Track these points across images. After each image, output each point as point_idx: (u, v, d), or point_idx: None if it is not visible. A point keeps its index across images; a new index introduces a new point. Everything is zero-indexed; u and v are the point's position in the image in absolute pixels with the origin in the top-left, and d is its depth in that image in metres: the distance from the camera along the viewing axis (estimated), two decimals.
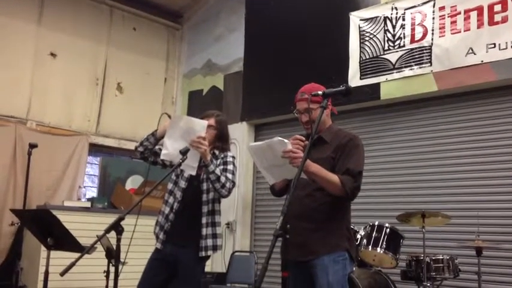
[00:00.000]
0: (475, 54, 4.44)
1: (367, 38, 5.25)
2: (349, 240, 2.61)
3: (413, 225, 4.17)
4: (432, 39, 4.74)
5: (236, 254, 5.68)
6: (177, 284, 3.11)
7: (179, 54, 7.65)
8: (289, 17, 6.13)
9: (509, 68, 4.26)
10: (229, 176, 3.15)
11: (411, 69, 4.85)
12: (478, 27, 4.45)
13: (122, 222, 2.43)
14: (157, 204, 4.41)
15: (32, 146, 4.82)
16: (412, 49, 4.88)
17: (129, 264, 3.21)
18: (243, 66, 6.58)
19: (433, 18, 4.76)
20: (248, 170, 6.28)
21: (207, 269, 4.86)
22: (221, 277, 5.40)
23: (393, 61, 5.00)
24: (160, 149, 3.24)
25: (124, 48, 6.97)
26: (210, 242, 3.15)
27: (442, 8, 4.72)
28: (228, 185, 3.10)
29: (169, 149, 3.01)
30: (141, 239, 3.15)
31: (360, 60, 5.26)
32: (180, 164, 2.84)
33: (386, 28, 5.11)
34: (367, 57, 5.22)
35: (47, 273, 3.40)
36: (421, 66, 4.78)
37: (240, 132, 6.33)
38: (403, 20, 4.98)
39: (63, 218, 3.39)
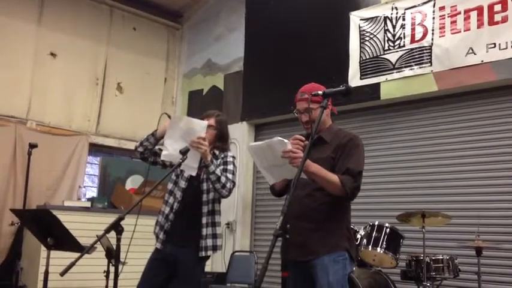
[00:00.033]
0: (475, 54, 4.44)
1: (367, 38, 5.25)
2: (349, 240, 2.61)
3: (413, 225, 4.17)
4: (432, 39, 4.74)
5: (236, 254, 5.68)
6: (177, 284, 3.11)
7: (179, 54, 7.65)
8: (289, 17, 6.13)
9: (509, 68, 4.26)
10: (230, 176, 3.15)
11: (411, 69, 4.85)
12: (478, 27, 4.45)
13: (122, 222, 2.43)
14: (157, 204, 4.41)
15: (32, 146, 4.82)
16: (412, 49, 4.88)
17: (129, 264, 3.21)
18: (243, 66, 6.58)
19: (433, 18, 4.76)
20: (248, 170, 6.28)
21: (207, 268, 4.85)
22: (221, 277, 5.40)
23: (393, 61, 5.00)
24: (160, 149, 3.25)
25: (124, 48, 6.97)
26: (210, 242, 3.15)
27: (442, 8, 4.72)
28: (228, 185, 3.10)
29: (170, 150, 3.01)
30: (141, 239, 3.15)
31: (360, 60, 5.26)
32: (180, 164, 2.84)
33: (386, 28, 5.11)
34: (367, 57, 5.21)
35: (47, 273, 3.40)
36: (421, 66, 4.78)
37: (240, 132, 6.33)
38: (403, 19, 4.98)
39: (63, 217, 3.39)
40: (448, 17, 4.67)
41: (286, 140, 2.36)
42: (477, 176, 4.54)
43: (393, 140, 5.15)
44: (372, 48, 5.20)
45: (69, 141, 6.20)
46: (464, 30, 4.53)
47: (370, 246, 4.02)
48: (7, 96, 5.86)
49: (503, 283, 4.21)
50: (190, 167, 3.01)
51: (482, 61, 4.40)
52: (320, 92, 2.34)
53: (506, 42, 4.27)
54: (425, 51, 4.77)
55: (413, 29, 4.89)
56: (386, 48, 5.08)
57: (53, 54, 6.29)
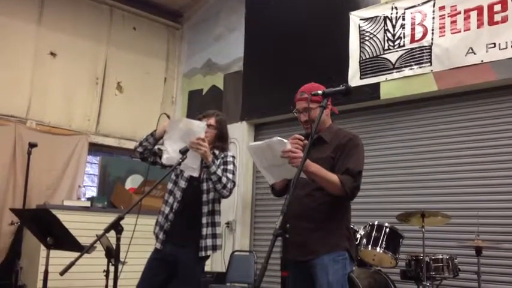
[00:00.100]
0: (475, 54, 4.44)
1: (367, 38, 5.25)
2: (349, 239, 2.61)
3: (412, 224, 4.17)
4: (432, 38, 4.74)
5: (236, 253, 5.68)
6: (177, 284, 3.11)
7: (179, 54, 7.65)
8: (289, 17, 6.13)
9: (509, 68, 4.26)
10: (230, 176, 3.15)
11: (411, 69, 4.85)
12: (478, 27, 4.45)
13: (122, 222, 2.43)
14: (157, 203, 4.42)
15: (32, 145, 4.83)
16: (412, 49, 4.88)
17: (129, 264, 3.21)
18: (243, 66, 6.58)
19: (433, 18, 4.76)
20: (248, 169, 6.28)
21: (207, 268, 4.86)
22: (221, 276, 5.40)
23: (393, 61, 5.00)
24: (160, 149, 3.26)
25: (124, 47, 6.97)
26: (209, 242, 3.15)
27: (442, 8, 4.72)
28: (229, 185, 3.11)
29: (170, 153, 3.02)
30: (141, 238, 3.15)
31: (359, 60, 5.26)
32: (179, 164, 2.84)
33: (386, 28, 5.11)
34: (367, 56, 5.22)
35: (46, 272, 3.40)
36: (421, 66, 4.78)
37: (239, 131, 6.33)
38: (403, 19, 4.98)
39: (63, 217, 3.39)
40: (448, 16, 4.67)
41: (285, 140, 2.36)
42: (477, 176, 4.54)
43: (393, 139, 5.15)
44: (371, 48, 5.20)
45: (69, 141, 6.20)
46: (464, 30, 4.53)
47: (369, 246, 4.02)
48: (7, 95, 5.86)
49: (503, 283, 4.21)
50: (191, 168, 3.02)
51: (482, 61, 4.40)
52: (320, 92, 2.34)
53: (506, 42, 4.27)
54: (425, 51, 4.77)
55: (413, 29, 4.89)
56: (386, 48, 5.08)
57: (52, 54, 6.29)
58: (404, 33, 4.96)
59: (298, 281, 2.52)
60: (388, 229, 4.05)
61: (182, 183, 3.22)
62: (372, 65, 5.16)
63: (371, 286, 3.90)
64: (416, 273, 3.98)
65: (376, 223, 4.10)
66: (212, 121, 3.26)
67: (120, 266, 2.57)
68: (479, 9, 4.47)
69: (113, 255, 3.31)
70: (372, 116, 5.35)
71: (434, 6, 4.77)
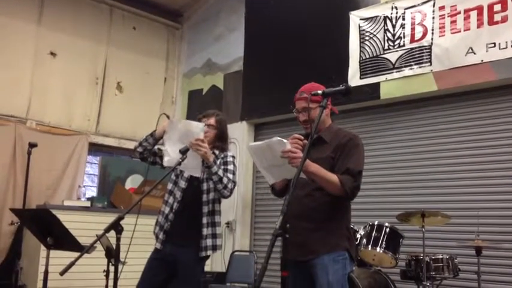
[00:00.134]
0: (475, 53, 4.44)
1: (367, 38, 5.25)
2: (349, 239, 2.61)
3: (413, 224, 4.17)
4: (432, 38, 4.74)
5: (236, 253, 5.68)
6: (177, 284, 3.11)
7: (179, 54, 7.65)
8: (289, 17, 6.13)
9: (509, 68, 4.26)
10: (230, 176, 3.15)
11: (411, 69, 4.85)
12: (478, 26, 4.45)
13: (122, 222, 2.43)
14: (157, 203, 4.42)
15: (32, 145, 4.83)
16: (412, 49, 4.88)
17: (129, 264, 3.21)
18: (243, 66, 6.58)
19: (433, 17, 4.76)
20: (248, 169, 6.28)
21: (207, 268, 4.86)
22: (221, 276, 5.40)
23: (393, 61, 5.00)
24: (160, 149, 3.26)
25: (124, 47, 6.97)
26: (209, 242, 3.15)
27: (442, 8, 4.72)
28: (229, 185, 3.11)
29: (171, 155, 3.02)
30: (141, 238, 3.15)
31: (359, 60, 5.26)
32: (179, 163, 2.84)
33: (386, 28, 5.11)
34: (367, 56, 5.21)
35: (46, 272, 3.40)
36: (421, 65, 4.78)
37: (239, 131, 6.33)
38: (403, 19, 4.98)
39: (63, 217, 3.39)
40: (448, 16, 4.67)
41: (285, 140, 2.36)
42: (477, 176, 4.54)
43: (393, 139, 5.14)
44: (371, 47, 5.20)
45: (69, 141, 6.20)
46: (464, 30, 4.53)
47: (369, 246, 4.02)
48: (7, 95, 5.86)
49: (503, 283, 4.21)
50: (193, 168, 3.02)
51: (482, 61, 4.40)
52: (319, 92, 2.34)
53: (506, 42, 4.27)
54: (425, 50, 4.77)
55: (413, 29, 4.89)
56: (386, 47, 5.08)
57: (52, 54, 6.29)
58: (404, 33, 4.96)
59: (298, 281, 2.52)
60: (388, 229, 4.05)
61: (182, 184, 3.22)
62: (372, 64, 5.16)
63: (371, 286, 3.90)
64: (416, 273, 3.98)
65: (376, 223, 4.10)
66: (212, 121, 3.26)
67: (120, 266, 2.57)
68: (479, 9, 4.47)
69: (113, 255, 3.31)
70: (372, 116, 5.35)
71: (434, 6, 4.77)
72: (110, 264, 3.57)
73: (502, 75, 4.31)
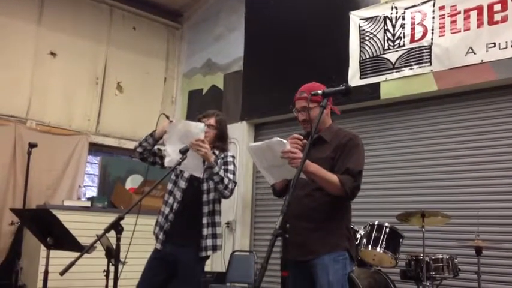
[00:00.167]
0: (475, 53, 4.44)
1: (367, 38, 5.25)
2: (349, 239, 2.61)
3: (413, 224, 4.17)
4: (432, 38, 4.74)
5: (236, 253, 5.68)
6: (177, 284, 3.11)
7: (179, 54, 7.65)
8: (289, 17, 6.13)
9: (509, 68, 4.26)
10: (231, 176, 3.16)
11: (411, 69, 4.85)
12: (478, 26, 4.45)
13: (122, 222, 2.43)
14: (157, 203, 4.42)
15: (32, 145, 4.83)
16: (412, 48, 4.88)
17: (129, 264, 3.21)
18: (243, 66, 6.58)
19: (433, 17, 4.76)
20: (248, 169, 6.28)
21: (207, 268, 4.86)
22: (221, 276, 5.40)
23: (393, 61, 5.00)
24: (159, 149, 3.26)
25: (124, 47, 6.97)
26: (210, 242, 3.15)
27: (442, 8, 4.72)
28: (230, 185, 3.11)
29: (172, 156, 3.02)
30: (141, 238, 3.15)
31: (359, 60, 5.26)
32: (179, 163, 2.84)
33: (386, 27, 5.11)
34: (367, 56, 5.21)
35: (46, 272, 3.40)
36: (421, 65, 4.78)
37: (240, 131, 6.32)
38: (403, 19, 4.98)
39: (63, 217, 3.39)
40: (448, 16, 4.66)
41: (285, 141, 2.36)
42: (477, 176, 4.54)
43: (393, 139, 5.14)
44: (371, 47, 5.19)
45: (69, 141, 6.20)
46: (464, 30, 4.53)
47: (369, 246, 4.02)
48: (7, 95, 5.86)
49: (503, 283, 4.21)
50: (193, 168, 3.02)
51: (482, 61, 4.40)
52: (319, 92, 2.34)
53: (506, 42, 4.26)
54: (425, 50, 4.77)
55: (413, 29, 4.89)
56: (386, 47, 5.08)
57: (52, 54, 6.29)
58: (404, 33, 4.96)
59: (298, 281, 2.52)
60: (388, 229, 4.05)
61: (182, 184, 3.22)
62: (372, 64, 5.16)
63: (371, 286, 3.90)
64: (416, 273, 3.98)
65: (376, 223, 4.10)
66: (212, 121, 3.26)
67: (120, 266, 2.57)
68: (479, 9, 4.46)
69: (113, 255, 3.31)
70: (372, 116, 5.35)
71: (434, 6, 4.77)
72: (110, 264, 3.57)
73: (502, 75, 4.31)
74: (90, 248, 2.69)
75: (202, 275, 3.41)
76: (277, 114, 5.97)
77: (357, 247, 4.02)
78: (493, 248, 4.17)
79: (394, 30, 5.04)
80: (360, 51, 5.27)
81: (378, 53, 5.13)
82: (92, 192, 6.62)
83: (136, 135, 6.35)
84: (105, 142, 6.67)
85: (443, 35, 4.66)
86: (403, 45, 4.94)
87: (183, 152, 2.82)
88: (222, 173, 3.05)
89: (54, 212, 3.39)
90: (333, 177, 2.45)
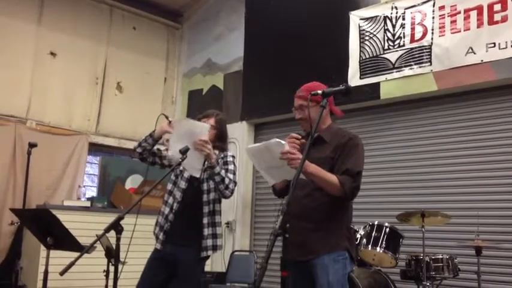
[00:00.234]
0: (474, 53, 4.44)
1: (367, 38, 5.25)
2: (349, 239, 2.60)
3: (412, 224, 4.17)
4: (432, 38, 4.74)
5: (236, 253, 5.68)
6: (177, 284, 3.11)
7: (179, 54, 7.65)
8: (289, 17, 6.13)
9: (509, 68, 4.26)
10: (231, 176, 3.16)
11: (411, 69, 4.85)
12: (478, 26, 4.45)
13: (122, 222, 2.43)
14: (157, 203, 4.42)
15: (32, 145, 4.83)
16: (412, 48, 4.88)
17: (129, 264, 3.21)
18: (243, 66, 6.58)
19: (433, 17, 4.76)
20: (248, 169, 6.28)
21: (207, 268, 4.86)
22: (221, 276, 5.40)
23: (393, 60, 5.00)
24: (159, 149, 3.27)
25: (124, 47, 6.97)
26: (210, 242, 3.15)
27: (442, 8, 4.72)
28: (231, 185, 3.11)
29: (175, 154, 3.03)
30: (141, 238, 3.15)
31: (359, 60, 5.26)
32: (179, 163, 2.84)
33: (386, 27, 5.11)
34: (367, 56, 5.21)
35: (46, 272, 3.40)
36: (421, 65, 4.78)
37: (239, 131, 6.33)
38: (403, 19, 4.98)
39: (63, 217, 3.39)
40: (448, 16, 4.67)
41: (283, 142, 2.36)
42: (477, 176, 4.54)
43: (393, 139, 5.15)
44: (371, 47, 5.20)
45: (69, 141, 6.20)
46: (464, 30, 4.53)
47: (369, 246, 4.02)
48: (7, 95, 5.86)
49: (503, 283, 4.21)
50: (193, 168, 3.02)
51: (482, 61, 4.40)
52: (319, 91, 2.34)
53: (506, 42, 4.27)
54: (425, 50, 4.77)
55: (413, 29, 4.89)
56: (386, 47, 5.08)
57: (52, 54, 6.29)
58: (404, 33, 4.96)
59: (298, 281, 2.52)
60: (388, 229, 4.05)
61: (182, 184, 3.22)
62: (372, 64, 5.16)
63: (371, 286, 3.90)
64: (416, 273, 3.98)
65: (376, 223, 4.10)
66: (212, 121, 3.26)
67: (120, 266, 2.57)
68: (479, 8, 4.47)
69: (113, 255, 3.31)
70: (371, 116, 5.35)
71: (434, 5, 4.77)
72: (110, 264, 3.57)
73: (502, 75, 4.31)
74: (90, 248, 2.68)
75: (202, 275, 3.41)
76: (277, 114, 5.98)
77: (357, 247, 4.02)
78: (493, 248, 4.17)
79: (394, 30, 5.04)
80: (360, 51, 5.27)
81: (378, 53, 5.13)
82: (92, 192, 6.62)
83: (136, 135, 6.35)
84: (105, 142, 6.67)
85: (443, 35, 4.66)
86: (403, 45, 4.94)
87: (183, 152, 2.82)
88: (223, 173, 3.05)
89: (54, 212, 3.39)
90: (332, 178, 2.44)
